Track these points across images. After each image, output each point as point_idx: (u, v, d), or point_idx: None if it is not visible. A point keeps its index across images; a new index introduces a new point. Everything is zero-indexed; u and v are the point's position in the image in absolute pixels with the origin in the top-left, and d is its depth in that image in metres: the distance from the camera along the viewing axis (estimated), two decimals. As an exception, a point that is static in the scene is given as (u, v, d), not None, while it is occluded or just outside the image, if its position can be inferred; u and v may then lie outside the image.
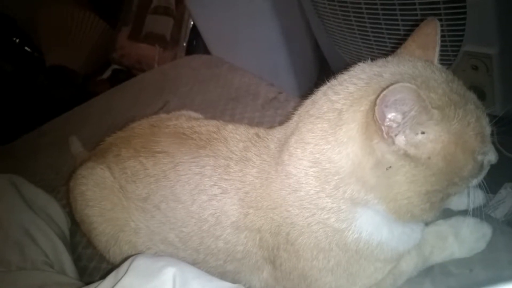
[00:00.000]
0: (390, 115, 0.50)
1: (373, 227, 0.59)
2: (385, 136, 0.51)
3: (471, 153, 0.54)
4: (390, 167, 0.53)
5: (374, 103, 0.50)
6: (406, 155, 0.52)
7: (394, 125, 0.51)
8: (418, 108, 0.49)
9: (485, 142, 0.55)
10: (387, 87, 0.47)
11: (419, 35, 0.64)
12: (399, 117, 0.50)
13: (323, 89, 0.62)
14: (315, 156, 0.58)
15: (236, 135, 0.72)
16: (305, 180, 0.59)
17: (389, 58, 0.61)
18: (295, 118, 0.66)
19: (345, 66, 0.63)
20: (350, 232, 0.59)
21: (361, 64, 0.61)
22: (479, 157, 0.55)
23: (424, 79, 0.54)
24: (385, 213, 0.57)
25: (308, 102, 0.64)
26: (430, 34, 0.63)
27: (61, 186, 1.12)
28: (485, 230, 0.68)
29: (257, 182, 0.65)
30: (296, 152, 0.61)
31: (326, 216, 0.59)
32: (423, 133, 0.52)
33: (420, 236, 0.64)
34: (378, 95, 0.48)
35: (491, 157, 0.58)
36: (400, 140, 0.52)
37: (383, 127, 0.51)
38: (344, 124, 0.55)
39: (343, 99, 0.57)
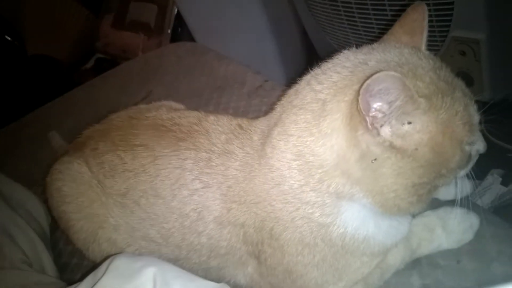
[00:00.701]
0: (375, 105, 0.48)
1: (359, 221, 0.57)
2: (370, 127, 0.49)
3: (459, 143, 0.52)
4: (375, 159, 0.51)
5: (358, 93, 0.47)
6: (392, 146, 0.50)
7: (380, 115, 0.49)
8: (403, 97, 0.47)
9: (473, 131, 0.53)
10: (371, 75, 0.45)
11: (406, 20, 0.62)
12: (384, 107, 0.48)
13: (307, 78, 0.60)
14: (299, 149, 0.56)
15: (218, 126, 0.69)
16: (288, 174, 0.58)
17: (375, 45, 0.58)
18: (278, 109, 0.64)
19: (333, 52, 0.60)
20: (336, 226, 0.57)
21: (345, 51, 0.59)
22: (467, 147, 0.54)
23: (411, 67, 0.52)
24: (372, 207, 0.56)
25: (291, 92, 0.62)
26: (417, 19, 0.61)
27: (42, 180, 1.09)
28: (473, 221, 0.67)
29: (240, 176, 0.63)
30: (279, 145, 0.58)
31: (310, 211, 0.57)
32: (409, 123, 0.50)
33: (407, 229, 0.63)
34: (362, 84, 0.46)
35: (479, 146, 0.56)
36: (386, 131, 0.50)
37: (367, 118, 0.49)
38: (328, 115, 0.53)
39: (327, 88, 0.54)
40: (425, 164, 0.51)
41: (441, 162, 0.52)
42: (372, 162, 0.52)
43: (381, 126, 0.49)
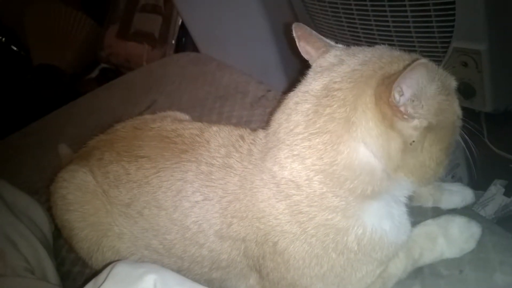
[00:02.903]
0: (406, 94, 0.52)
1: (377, 219, 0.58)
2: (405, 116, 0.52)
3: (452, 93, 0.58)
4: (413, 141, 0.54)
5: (383, 93, 0.51)
6: (426, 124, 0.54)
7: (411, 101, 0.52)
8: (428, 81, 0.53)
9: (450, 77, 0.59)
10: (405, 68, 0.49)
11: (309, 36, 0.66)
12: (414, 93, 0.52)
13: (302, 108, 0.58)
14: (321, 167, 0.56)
15: (219, 138, 0.70)
16: (306, 186, 0.57)
17: (350, 51, 0.62)
18: (273, 127, 0.63)
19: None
20: (355, 228, 0.57)
21: (313, 72, 0.62)
22: (453, 94, 0.59)
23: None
24: (393, 199, 0.60)
25: (282, 118, 0.61)
26: (311, 33, 0.65)
27: (45, 188, 1.09)
28: (474, 230, 0.67)
29: (240, 192, 0.63)
30: (292, 166, 0.58)
31: (330, 216, 0.57)
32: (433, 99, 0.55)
33: (410, 229, 0.63)
34: (388, 81, 0.51)
35: (453, 82, 0.60)
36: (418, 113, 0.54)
37: (401, 108, 0.52)
38: (357, 128, 0.54)
39: (341, 107, 0.55)
40: (449, 123, 0.57)
41: (452, 114, 0.58)
42: (411, 144, 0.54)
43: (414, 111, 0.53)
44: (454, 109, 0.59)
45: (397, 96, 0.51)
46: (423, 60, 0.50)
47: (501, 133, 1.29)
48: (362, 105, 0.54)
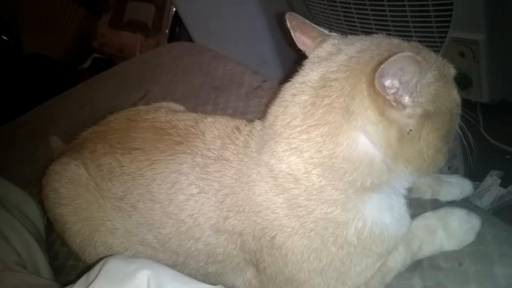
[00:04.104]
0: (394, 83, 0.51)
1: (377, 212, 0.58)
2: (394, 103, 0.51)
3: (450, 80, 0.57)
4: (410, 130, 0.53)
5: (371, 80, 0.50)
6: (421, 112, 0.53)
7: (400, 90, 0.51)
8: (417, 73, 0.51)
9: (448, 65, 0.59)
10: (386, 59, 0.48)
11: (303, 26, 0.64)
12: (403, 81, 0.51)
13: (300, 100, 0.57)
14: (319, 160, 0.55)
15: (215, 129, 0.68)
16: (304, 179, 0.56)
17: (348, 40, 0.61)
18: (270, 120, 0.61)
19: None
20: (355, 221, 0.56)
21: (310, 63, 0.61)
22: (451, 81, 0.58)
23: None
24: (392, 191, 0.59)
25: (279, 110, 0.60)
26: (305, 22, 0.64)
27: (37, 180, 1.08)
28: (474, 222, 0.67)
29: (237, 185, 0.62)
30: (290, 159, 0.57)
31: (329, 210, 0.56)
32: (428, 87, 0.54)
33: (409, 222, 0.63)
34: (375, 70, 0.49)
35: (452, 70, 0.59)
36: (410, 102, 0.52)
37: (388, 97, 0.51)
38: (356, 117, 0.53)
39: (339, 97, 0.54)
40: (447, 111, 0.56)
41: (450, 101, 0.57)
42: (408, 133, 0.53)
43: (405, 99, 0.52)
44: (452, 96, 0.57)
45: (386, 82, 0.50)
46: (407, 53, 0.49)
47: (497, 124, 1.29)
48: (359, 94, 0.53)
